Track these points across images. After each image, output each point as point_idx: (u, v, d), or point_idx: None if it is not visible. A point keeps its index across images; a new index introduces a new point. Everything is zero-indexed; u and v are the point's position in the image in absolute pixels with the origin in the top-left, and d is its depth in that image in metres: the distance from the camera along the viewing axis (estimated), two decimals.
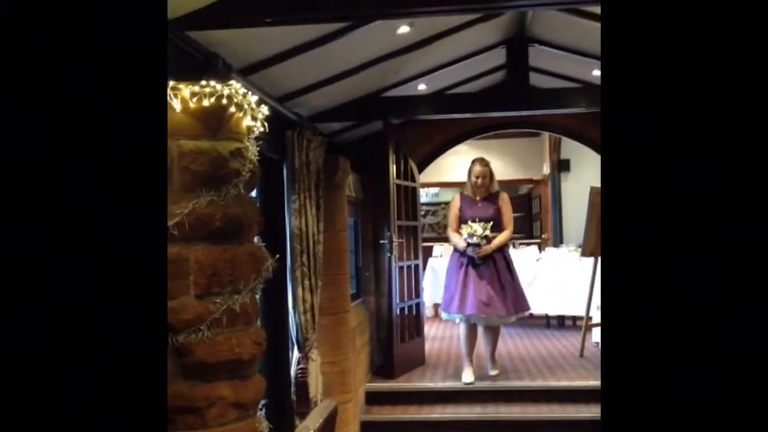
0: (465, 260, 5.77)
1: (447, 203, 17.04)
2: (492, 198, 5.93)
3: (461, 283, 5.73)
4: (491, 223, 5.67)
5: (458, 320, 6.01)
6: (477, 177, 5.87)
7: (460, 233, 5.81)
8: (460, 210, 5.95)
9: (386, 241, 6.44)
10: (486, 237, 5.62)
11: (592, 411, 5.52)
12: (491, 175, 5.95)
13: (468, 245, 5.66)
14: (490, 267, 5.73)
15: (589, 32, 4.85)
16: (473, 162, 6.04)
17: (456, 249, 5.94)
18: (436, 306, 10.37)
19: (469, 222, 5.71)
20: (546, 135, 11.59)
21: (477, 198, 5.92)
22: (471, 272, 5.73)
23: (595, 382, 5.85)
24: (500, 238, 5.76)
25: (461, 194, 6.08)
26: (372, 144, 6.53)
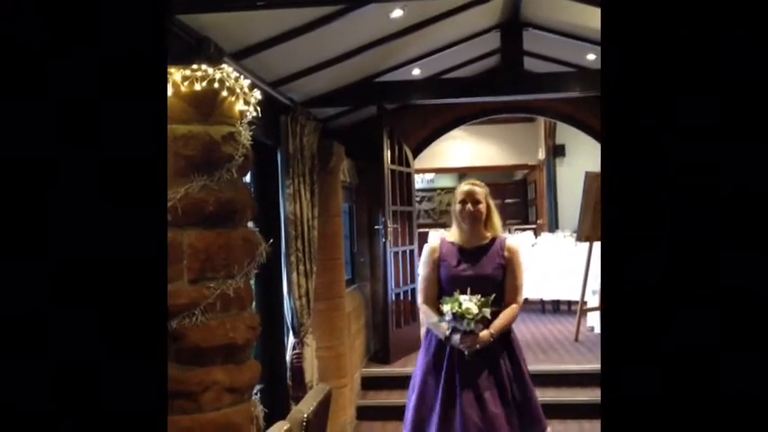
0: (448, 355, 3.24)
1: (443, 189, 16.95)
2: (492, 247, 3.33)
3: (443, 394, 3.21)
4: (493, 296, 3.18)
5: None
6: (465, 201, 3.29)
7: (439, 308, 3.25)
8: (440, 264, 3.34)
9: (380, 227, 6.44)
10: (483, 319, 3.13)
11: (587, 394, 5.56)
12: (488, 203, 3.34)
13: (454, 331, 3.16)
14: (489, 364, 3.22)
15: (582, 16, 4.84)
16: (460, 185, 3.44)
17: (431, 332, 3.36)
18: None
19: (456, 294, 3.17)
20: (541, 120, 11.60)
21: (467, 246, 3.31)
22: (459, 374, 3.21)
23: (590, 366, 5.89)
24: (504, 320, 3.23)
25: (442, 240, 3.42)
26: (367, 129, 6.52)
